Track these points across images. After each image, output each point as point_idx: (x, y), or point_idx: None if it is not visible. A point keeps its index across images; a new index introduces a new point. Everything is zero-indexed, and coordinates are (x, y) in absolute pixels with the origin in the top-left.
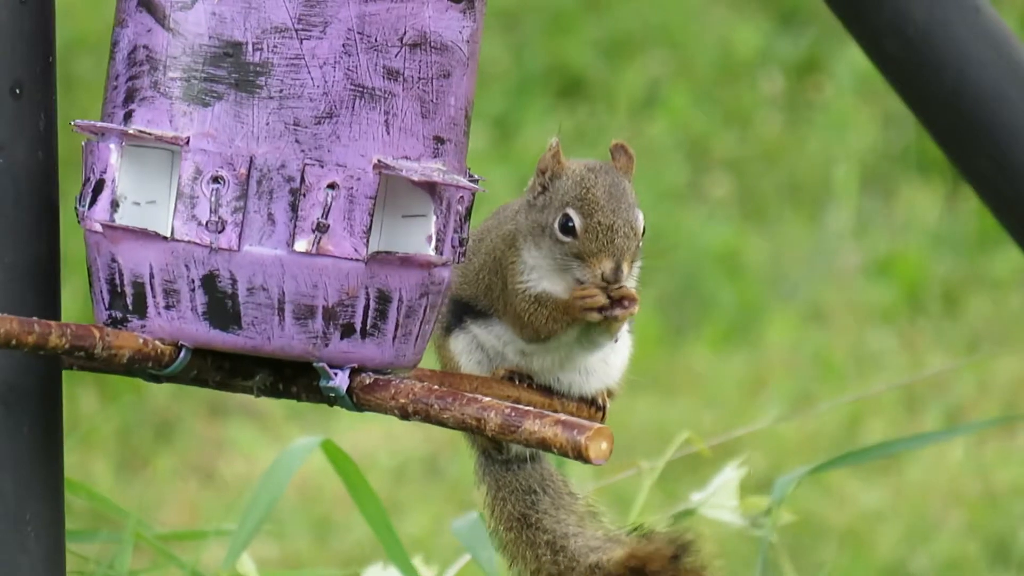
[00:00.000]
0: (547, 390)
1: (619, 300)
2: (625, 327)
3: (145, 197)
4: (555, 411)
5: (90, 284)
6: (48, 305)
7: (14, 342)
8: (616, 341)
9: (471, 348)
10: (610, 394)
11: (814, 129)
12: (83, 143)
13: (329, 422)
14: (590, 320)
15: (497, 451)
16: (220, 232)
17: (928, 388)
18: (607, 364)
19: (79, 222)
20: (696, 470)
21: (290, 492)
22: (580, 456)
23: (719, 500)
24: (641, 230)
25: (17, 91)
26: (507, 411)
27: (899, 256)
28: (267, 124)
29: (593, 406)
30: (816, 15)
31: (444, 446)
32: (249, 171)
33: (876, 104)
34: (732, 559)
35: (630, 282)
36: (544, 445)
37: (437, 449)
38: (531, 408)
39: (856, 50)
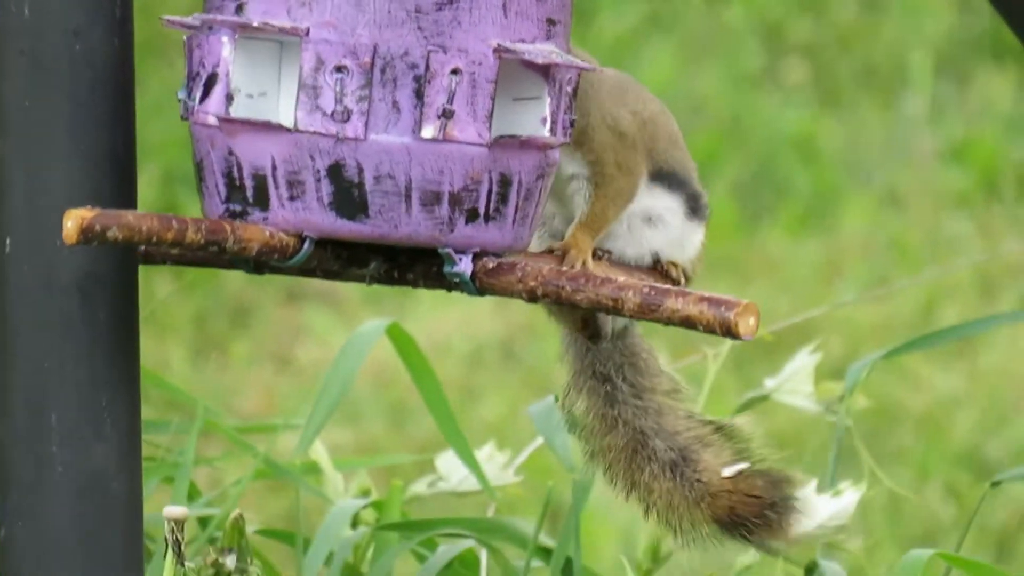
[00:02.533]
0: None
1: None
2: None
3: (257, 89)
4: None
5: (200, 179)
6: (125, 193)
7: (155, 239)
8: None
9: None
10: (677, 267)
11: (889, 15)
12: (185, 36)
13: (405, 307)
14: None
15: (592, 339)
16: (346, 122)
17: (1004, 272)
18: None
19: (184, 116)
20: (771, 355)
21: (365, 378)
22: (729, 332)
23: (793, 386)
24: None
25: None
26: (646, 290)
27: (974, 142)
28: (389, 12)
29: (667, 277)
30: None
31: (521, 330)
32: (373, 59)
33: None
34: (807, 445)
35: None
36: (688, 323)
37: (514, 333)
38: (670, 286)
39: None
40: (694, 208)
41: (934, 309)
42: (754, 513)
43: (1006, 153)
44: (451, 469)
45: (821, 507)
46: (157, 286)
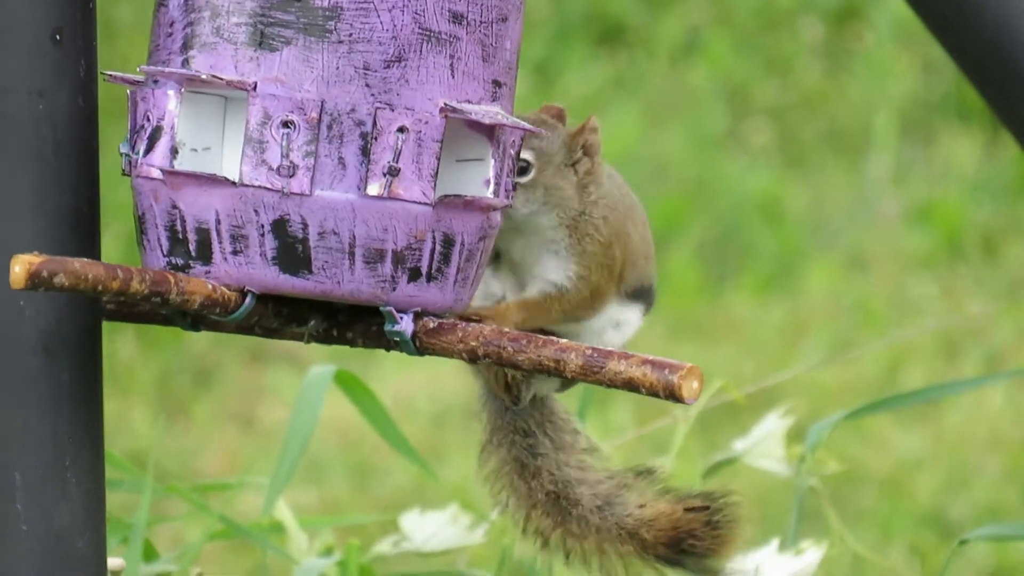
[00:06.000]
0: None
1: None
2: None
3: (201, 144)
4: None
5: (141, 232)
6: (89, 252)
7: (100, 287)
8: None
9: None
10: None
11: (854, 77)
12: (130, 91)
13: (369, 368)
14: None
15: (513, 402)
16: (291, 176)
17: (967, 334)
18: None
19: (126, 171)
20: (736, 417)
21: (329, 439)
22: (672, 395)
23: (764, 449)
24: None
25: (57, 37)
26: (588, 352)
27: (939, 203)
28: (337, 68)
29: None
30: None
31: None
32: (320, 115)
33: (916, 51)
34: (777, 507)
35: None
36: (631, 385)
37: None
38: (613, 349)
39: None
40: (648, 305)
41: (898, 370)
42: (699, 525)
43: (970, 214)
44: (415, 529)
45: (782, 566)
46: (120, 346)
